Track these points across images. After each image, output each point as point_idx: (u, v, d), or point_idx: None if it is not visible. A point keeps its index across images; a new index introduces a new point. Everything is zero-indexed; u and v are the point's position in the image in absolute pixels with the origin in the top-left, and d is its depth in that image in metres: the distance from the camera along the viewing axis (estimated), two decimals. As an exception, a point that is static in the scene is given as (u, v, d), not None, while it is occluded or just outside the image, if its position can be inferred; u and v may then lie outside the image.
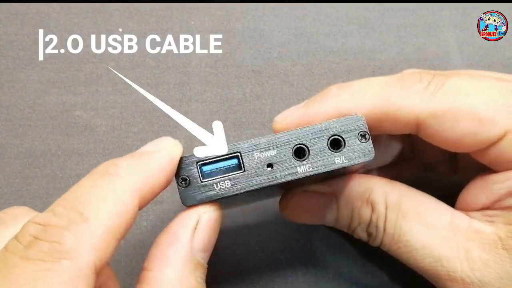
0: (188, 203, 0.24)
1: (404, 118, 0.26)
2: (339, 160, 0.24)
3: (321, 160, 0.24)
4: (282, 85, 0.40)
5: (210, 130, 0.39)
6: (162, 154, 0.24)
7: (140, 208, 0.24)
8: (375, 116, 0.27)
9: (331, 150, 0.24)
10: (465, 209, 0.28)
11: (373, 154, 0.25)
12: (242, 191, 0.24)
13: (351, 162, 0.24)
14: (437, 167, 0.33)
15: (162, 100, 0.40)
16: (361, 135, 0.25)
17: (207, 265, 0.26)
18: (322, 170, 0.24)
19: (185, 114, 0.39)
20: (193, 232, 0.25)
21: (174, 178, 0.24)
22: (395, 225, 0.28)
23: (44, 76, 0.40)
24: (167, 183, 0.25)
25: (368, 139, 0.25)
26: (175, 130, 0.39)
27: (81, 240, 0.21)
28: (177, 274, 0.24)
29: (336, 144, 0.25)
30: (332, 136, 0.24)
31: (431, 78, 0.27)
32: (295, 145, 0.24)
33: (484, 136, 0.26)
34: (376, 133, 0.28)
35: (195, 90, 0.40)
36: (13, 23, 0.42)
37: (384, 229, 0.28)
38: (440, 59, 0.41)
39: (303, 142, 0.24)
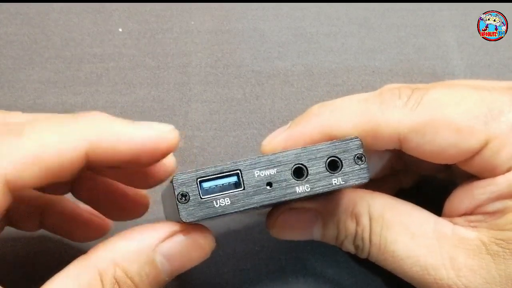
0: (187, 220, 0.24)
1: (385, 134, 0.27)
2: (336, 181, 0.25)
3: (319, 181, 0.25)
4: (282, 85, 0.40)
5: (210, 130, 0.39)
6: (141, 128, 0.25)
7: (91, 161, 0.24)
8: (356, 133, 0.27)
9: (329, 171, 0.25)
10: (450, 215, 0.28)
11: (368, 176, 0.25)
12: (241, 209, 0.24)
13: (348, 184, 0.25)
14: (434, 175, 0.34)
15: (162, 100, 0.40)
16: (357, 157, 0.25)
17: (166, 278, 0.25)
18: (320, 190, 0.25)
19: (185, 114, 0.39)
20: (159, 240, 0.25)
21: (174, 193, 0.24)
22: (381, 237, 0.28)
23: (44, 76, 0.40)
24: (137, 161, 0.25)
25: (364, 161, 0.25)
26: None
27: (1, 149, 0.22)
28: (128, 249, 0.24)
29: (333, 165, 0.25)
30: (330, 157, 0.25)
31: (410, 93, 0.27)
32: (295, 165, 0.25)
33: (465, 146, 0.26)
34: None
35: (195, 90, 0.40)
36: (13, 23, 0.42)
37: (370, 241, 0.28)
38: (440, 59, 0.41)
39: (302, 162, 0.25)
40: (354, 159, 0.25)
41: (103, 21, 0.42)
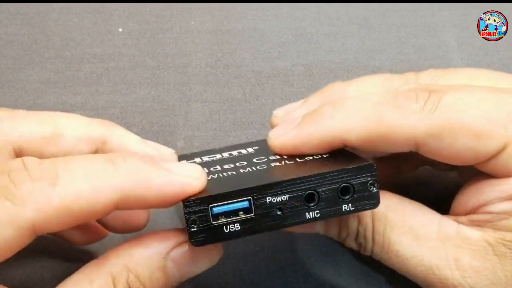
0: (197, 244, 0.24)
1: (401, 139, 0.26)
2: (346, 207, 0.25)
3: (330, 207, 0.24)
4: (282, 85, 0.40)
5: (210, 130, 0.39)
6: (172, 177, 0.24)
7: (118, 208, 0.24)
8: (371, 138, 0.26)
9: (340, 197, 0.24)
10: (457, 212, 0.28)
11: (379, 203, 0.25)
12: (251, 234, 0.24)
13: (357, 210, 0.25)
14: (436, 163, 0.33)
15: (162, 100, 0.40)
16: (370, 183, 0.25)
17: (174, 284, 0.26)
18: (329, 216, 0.24)
19: (185, 114, 0.39)
20: (170, 248, 0.25)
21: (184, 218, 0.24)
22: (384, 237, 0.28)
23: (44, 76, 0.40)
24: (161, 204, 0.24)
25: (377, 188, 0.25)
26: (175, 131, 0.39)
27: (33, 197, 0.22)
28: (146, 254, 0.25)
29: (345, 191, 0.25)
30: (343, 183, 0.24)
31: (427, 97, 0.26)
32: (307, 191, 0.24)
33: (483, 150, 0.26)
34: (371, 153, 0.28)
35: (195, 90, 0.40)
36: (13, 23, 0.42)
37: (373, 240, 0.28)
38: (440, 59, 0.41)
39: (316, 189, 0.24)
40: (367, 185, 0.25)
41: (103, 21, 0.42)
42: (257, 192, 0.24)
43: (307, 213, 0.24)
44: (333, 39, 0.42)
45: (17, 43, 0.41)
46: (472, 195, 0.28)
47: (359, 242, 0.29)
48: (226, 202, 0.24)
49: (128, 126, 0.39)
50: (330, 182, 0.24)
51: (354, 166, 0.24)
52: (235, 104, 0.40)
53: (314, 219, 0.24)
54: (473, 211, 0.27)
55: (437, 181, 0.35)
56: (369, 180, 0.25)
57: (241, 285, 0.35)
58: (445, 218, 0.28)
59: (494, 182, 0.27)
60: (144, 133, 0.39)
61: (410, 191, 0.30)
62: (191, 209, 0.24)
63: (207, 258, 0.26)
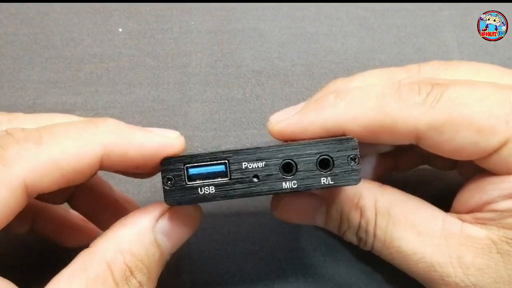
0: (171, 203, 0.24)
1: (402, 130, 0.26)
2: (325, 180, 0.24)
3: (308, 178, 0.24)
4: (282, 85, 0.40)
5: (210, 130, 0.39)
6: (151, 135, 0.25)
7: (104, 166, 0.25)
8: (372, 128, 0.26)
9: (319, 170, 0.24)
10: (459, 210, 0.28)
11: (359, 179, 0.24)
12: (224, 198, 0.24)
13: (336, 184, 0.24)
14: (435, 160, 0.33)
15: (162, 100, 0.40)
16: (351, 158, 0.24)
17: (168, 256, 0.26)
18: (307, 188, 0.24)
19: (185, 114, 0.39)
20: (155, 220, 0.26)
21: (161, 176, 0.24)
22: (386, 232, 0.28)
23: (44, 76, 0.40)
24: (142, 163, 0.25)
25: (357, 163, 0.24)
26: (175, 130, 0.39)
27: (21, 156, 0.23)
28: (134, 233, 0.25)
29: (325, 164, 0.24)
30: (322, 155, 0.24)
31: (429, 89, 0.26)
32: (284, 160, 0.24)
33: (484, 145, 0.26)
34: (374, 144, 0.28)
35: (195, 90, 0.40)
36: (13, 23, 0.42)
37: (375, 235, 0.28)
38: (440, 59, 0.41)
39: (293, 158, 0.24)
40: (347, 160, 0.24)
41: (103, 21, 0.42)
42: (233, 155, 0.24)
43: (283, 183, 0.24)
44: (333, 39, 0.42)
45: (17, 43, 0.41)
46: (474, 194, 0.27)
47: (360, 237, 0.29)
48: (202, 163, 0.24)
49: (128, 126, 0.39)
50: (308, 153, 0.24)
51: (333, 138, 0.25)
52: (235, 104, 0.40)
53: (291, 190, 0.24)
54: (476, 209, 0.27)
55: (437, 180, 0.35)
56: (350, 155, 0.24)
57: (241, 285, 0.35)
58: (449, 216, 0.28)
59: (496, 180, 0.27)
60: (144, 133, 0.39)
61: (410, 190, 0.29)
62: (167, 167, 0.24)
63: (190, 222, 0.27)
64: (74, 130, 0.24)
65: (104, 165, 0.25)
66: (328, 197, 0.29)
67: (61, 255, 0.34)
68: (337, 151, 0.24)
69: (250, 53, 0.41)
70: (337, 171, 0.24)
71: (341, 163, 0.24)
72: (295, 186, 0.24)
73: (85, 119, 0.26)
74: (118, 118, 0.39)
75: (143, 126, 0.38)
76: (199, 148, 0.38)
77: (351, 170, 0.24)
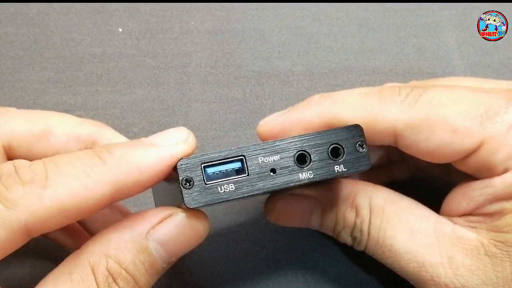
0: (192, 205, 0.24)
1: (381, 128, 0.27)
2: (338, 168, 0.25)
3: (322, 168, 0.25)
4: (282, 85, 0.40)
5: (210, 130, 0.39)
6: (160, 152, 0.24)
7: (115, 200, 0.24)
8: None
9: (331, 158, 0.25)
10: (449, 215, 0.28)
11: (369, 164, 0.25)
12: (245, 195, 0.24)
13: (350, 171, 0.25)
14: (430, 170, 0.34)
15: (162, 100, 0.40)
16: (359, 144, 0.25)
17: (163, 266, 0.25)
18: (323, 177, 0.25)
19: (185, 114, 0.39)
20: (150, 226, 0.24)
21: (178, 178, 0.24)
22: (379, 230, 0.28)
23: (44, 76, 0.40)
24: (156, 180, 0.24)
25: (365, 148, 0.25)
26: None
27: (25, 199, 0.22)
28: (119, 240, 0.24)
29: (335, 152, 0.25)
30: (332, 144, 0.25)
31: (409, 91, 0.27)
32: (298, 152, 0.25)
33: (459, 146, 0.26)
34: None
35: (195, 90, 0.40)
36: (13, 23, 0.42)
37: (369, 234, 0.28)
38: (440, 59, 0.41)
39: (305, 149, 0.25)
40: (355, 147, 0.25)
41: (103, 21, 0.42)
42: (248, 150, 0.24)
43: (300, 174, 0.25)
44: (333, 39, 0.42)
45: (17, 43, 0.41)
46: (462, 199, 0.28)
47: (354, 236, 0.29)
48: (219, 161, 0.24)
49: (128, 126, 0.39)
50: (319, 142, 0.25)
51: (340, 127, 0.25)
52: (235, 104, 0.40)
53: (309, 180, 0.25)
54: (468, 213, 0.28)
55: (424, 183, 0.35)
56: (357, 141, 0.25)
57: (241, 285, 0.35)
58: (442, 217, 0.28)
59: (479, 184, 0.27)
60: (144, 133, 0.39)
61: (399, 192, 0.30)
62: (184, 167, 0.24)
63: (192, 233, 0.25)
64: (81, 169, 0.23)
65: (116, 199, 0.24)
66: (323, 198, 0.29)
67: (61, 255, 0.35)
68: (345, 139, 0.25)
69: (250, 53, 0.41)
70: (348, 158, 0.25)
71: (351, 150, 0.25)
72: (311, 176, 0.25)
73: (89, 150, 0.24)
74: (118, 118, 0.39)
75: (143, 126, 0.39)
76: (199, 148, 0.38)
77: (361, 156, 0.25)
